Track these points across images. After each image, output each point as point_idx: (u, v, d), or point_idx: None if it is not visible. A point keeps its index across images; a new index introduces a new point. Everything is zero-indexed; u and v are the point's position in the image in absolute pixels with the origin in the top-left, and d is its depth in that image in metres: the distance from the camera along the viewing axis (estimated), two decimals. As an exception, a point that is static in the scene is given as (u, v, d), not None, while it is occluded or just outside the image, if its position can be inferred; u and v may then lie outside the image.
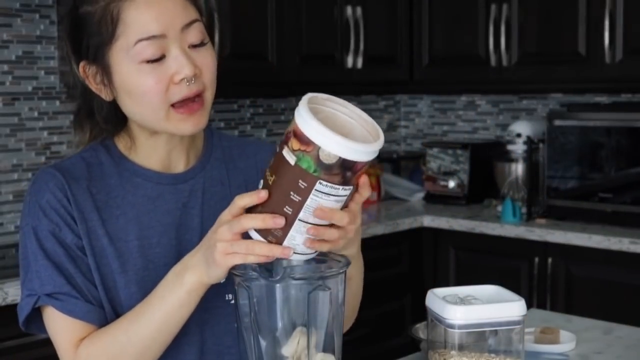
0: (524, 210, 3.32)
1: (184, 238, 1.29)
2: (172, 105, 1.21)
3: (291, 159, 1.05)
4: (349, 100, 1.17)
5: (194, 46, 1.21)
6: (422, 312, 1.47)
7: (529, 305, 2.91)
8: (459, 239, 3.39)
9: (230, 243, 1.10)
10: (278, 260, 1.20)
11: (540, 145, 3.34)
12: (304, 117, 1.04)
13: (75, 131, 1.32)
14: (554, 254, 3.12)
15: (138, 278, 1.25)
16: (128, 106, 1.23)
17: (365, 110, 1.14)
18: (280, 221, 1.08)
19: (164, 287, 1.19)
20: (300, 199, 1.06)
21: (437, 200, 3.73)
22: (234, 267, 1.12)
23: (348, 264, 1.15)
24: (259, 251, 1.10)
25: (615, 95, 3.50)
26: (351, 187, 1.09)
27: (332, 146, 1.04)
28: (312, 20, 3.35)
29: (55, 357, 1.27)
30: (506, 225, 3.24)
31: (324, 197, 1.07)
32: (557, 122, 3.25)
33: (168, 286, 1.18)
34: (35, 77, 2.88)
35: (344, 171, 1.06)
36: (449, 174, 3.71)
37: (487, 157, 3.67)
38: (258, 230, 1.10)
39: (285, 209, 1.07)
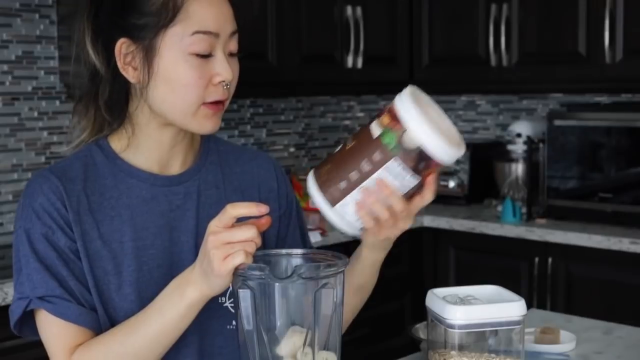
0: (524, 210, 3.32)
1: (179, 240, 1.29)
2: (204, 103, 1.23)
3: (376, 131, 1.12)
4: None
5: (231, 54, 1.26)
6: (422, 312, 1.47)
7: (529, 305, 2.91)
8: (459, 239, 3.39)
9: (225, 247, 1.10)
10: (278, 259, 1.20)
11: (540, 145, 3.34)
12: (403, 99, 1.12)
13: (78, 114, 1.31)
14: (554, 254, 3.12)
15: (132, 279, 1.25)
16: (160, 93, 1.23)
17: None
18: (263, 209, 1.13)
19: (163, 299, 1.18)
20: (370, 169, 1.12)
21: (437, 200, 3.68)
22: (237, 269, 1.11)
23: (347, 263, 1.15)
24: (252, 233, 1.10)
25: (615, 95, 3.50)
26: (418, 180, 1.14)
27: (419, 133, 1.10)
28: (312, 20, 3.35)
29: (54, 358, 1.27)
30: (506, 225, 3.24)
31: (391, 177, 1.12)
32: (557, 122, 3.25)
33: (168, 299, 1.18)
34: (35, 77, 2.88)
35: (419, 161, 1.12)
36: (449, 174, 3.71)
37: (487, 157, 3.67)
38: (319, 186, 1.14)
39: (351, 174, 1.13)
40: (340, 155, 1.15)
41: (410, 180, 1.13)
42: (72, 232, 1.23)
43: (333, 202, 1.14)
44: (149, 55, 1.21)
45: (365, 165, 1.12)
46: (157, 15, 1.20)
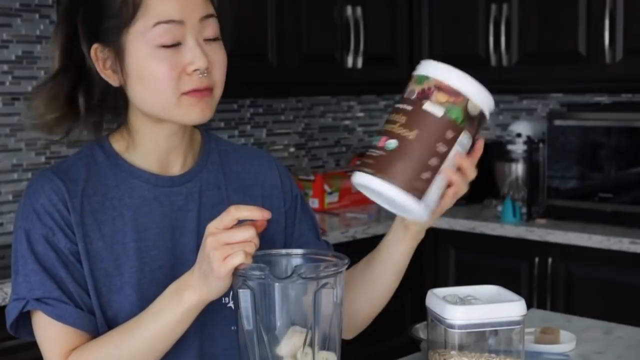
0: (524, 210, 3.32)
1: (180, 241, 1.29)
2: (183, 93, 1.21)
3: (439, 111, 1.11)
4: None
5: (208, 40, 1.23)
6: (422, 312, 1.47)
7: (529, 305, 2.91)
8: (459, 239, 3.39)
9: (224, 248, 1.10)
10: (278, 259, 1.20)
11: (540, 145, 3.34)
12: (450, 71, 1.13)
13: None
14: (554, 254, 3.12)
15: (134, 281, 1.24)
16: (137, 92, 1.22)
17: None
18: (266, 215, 1.12)
19: (161, 303, 1.18)
20: (446, 149, 1.13)
21: (437, 200, 3.72)
22: (237, 269, 1.11)
23: (347, 263, 1.15)
24: (250, 234, 1.10)
25: (615, 95, 3.50)
26: (471, 141, 1.17)
27: (480, 98, 1.14)
28: (312, 20, 3.35)
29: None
30: (506, 225, 3.24)
31: (460, 149, 1.14)
32: (557, 122, 3.25)
33: (165, 302, 1.17)
34: (35, 77, 2.87)
35: (478, 124, 1.16)
36: (449, 174, 3.70)
37: (487, 157, 3.66)
38: (400, 182, 1.11)
39: (430, 161, 1.12)
40: (407, 149, 1.12)
41: (469, 144, 1.16)
42: (73, 234, 1.23)
43: (420, 195, 1.13)
44: (119, 56, 1.21)
45: (441, 147, 1.12)
46: (118, 16, 1.19)
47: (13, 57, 2.82)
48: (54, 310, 1.20)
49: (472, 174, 1.18)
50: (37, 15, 2.87)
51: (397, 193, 1.12)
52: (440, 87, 1.12)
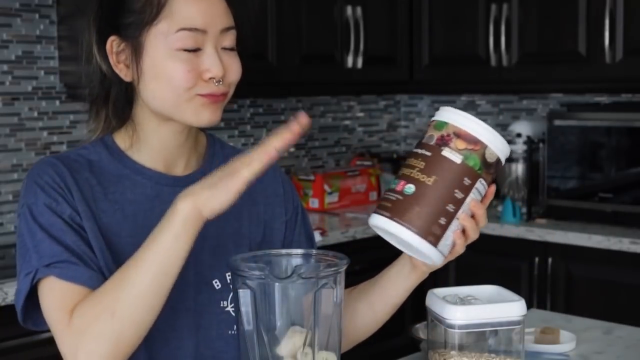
0: (524, 210, 3.32)
1: None
2: (198, 94, 1.22)
3: (457, 158, 1.13)
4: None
5: (225, 49, 1.24)
6: (422, 312, 1.47)
7: (529, 305, 2.91)
8: (459, 239, 3.38)
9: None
10: (278, 259, 1.20)
11: (540, 145, 3.34)
12: (469, 119, 1.15)
13: (91, 118, 1.31)
14: (554, 254, 3.12)
15: None
16: (150, 90, 1.22)
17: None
18: (298, 126, 1.12)
19: (157, 227, 1.14)
20: (463, 196, 1.15)
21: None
22: (237, 269, 1.11)
23: (347, 263, 1.15)
24: (279, 141, 1.12)
25: (615, 95, 3.50)
26: (487, 188, 1.19)
27: (497, 146, 1.16)
28: (312, 20, 3.35)
29: (56, 357, 1.24)
30: (506, 225, 3.24)
31: (476, 195, 1.16)
32: (557, 122, 3.25)
33: (160, 222, 1.13)
34: (35, 77, 2.88)
35: (494, 171, 1.19)
36: (449, 174, 3.70)
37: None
38: (417, 227, 1.13)
39: (447, 207, 1.14)
40: (425, 194, 1.13)
41: (484, 190, 1.19)
42: (77, 213, 1.21)
43: (436, 240, 1.15)
44: (137, 52, 1.21)
45: (458, 194, 1.14)
46: (142, 13, 1.20)
47: (13, 57, 2.82)
48: (65, 272, 1.16)
49: (484, 221, 1.20)
50: (37, 15, 2.87)
51: (414, 237, 1.13)
52: (459, 134, 1.14)
